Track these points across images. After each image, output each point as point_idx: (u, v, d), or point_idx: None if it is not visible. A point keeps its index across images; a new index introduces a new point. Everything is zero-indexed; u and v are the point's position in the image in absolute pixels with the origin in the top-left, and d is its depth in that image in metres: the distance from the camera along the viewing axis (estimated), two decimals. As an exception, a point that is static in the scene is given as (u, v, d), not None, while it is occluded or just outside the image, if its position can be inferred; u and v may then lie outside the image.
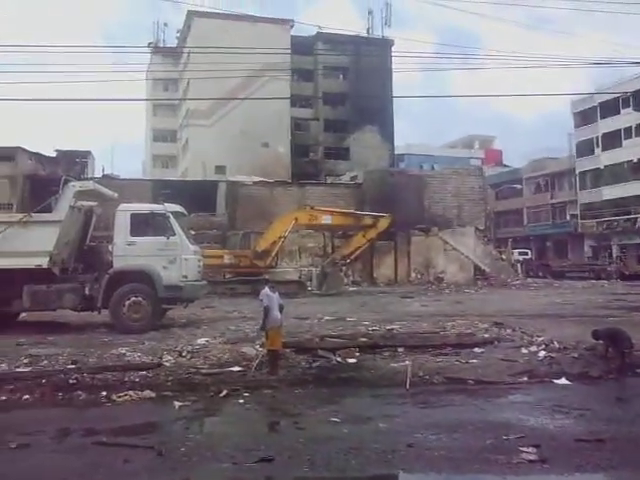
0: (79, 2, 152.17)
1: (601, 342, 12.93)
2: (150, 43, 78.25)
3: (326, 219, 33.31)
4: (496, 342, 14.70)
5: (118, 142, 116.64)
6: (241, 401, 10.30)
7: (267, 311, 11.97)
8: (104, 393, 10.63)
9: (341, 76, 75.87)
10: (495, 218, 71.96)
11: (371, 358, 13.19)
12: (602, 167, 67.32)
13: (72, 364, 12.50)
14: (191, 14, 69.70)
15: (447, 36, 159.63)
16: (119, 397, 10.46)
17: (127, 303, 17.57)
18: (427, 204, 46.55)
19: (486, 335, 15.59)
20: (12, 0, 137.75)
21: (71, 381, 11.28)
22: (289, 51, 63.45)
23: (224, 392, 10.61)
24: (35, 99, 62.75)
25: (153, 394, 10.59)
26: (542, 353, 13.47)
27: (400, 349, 13.86)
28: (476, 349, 13.97)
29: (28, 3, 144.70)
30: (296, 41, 69.47)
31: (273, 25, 68.90)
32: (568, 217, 73.12)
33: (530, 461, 7.22)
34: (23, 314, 19.52)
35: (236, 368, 12.15)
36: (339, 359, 12.99)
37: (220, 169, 62.26)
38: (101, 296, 17.74)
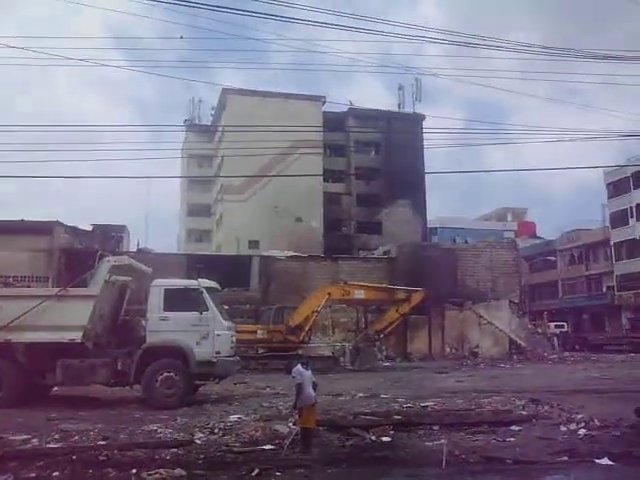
0: (117, 82, 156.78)
1: None
2: (186, 120, 79.95)
3: (359, 294, 33.21)
4: (534, 419, 14.37)
5: (153, 216, 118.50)
6: (273, 480, 10.05)
7: (300, 389, 11.82)
8: (134, 470, 10.44)
9: (373, 151, 76.58)
10: (529, 291, 71.22)
11: (405, 436, 12.90)
12: (638, 237, 66.71)
13: (103, 440, 12.42)
14: (225, 92, 71.21)
15: (476, 111, 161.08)
16: (149, 475, 10.27)
17: (160, 378, 17.51)
18: (460, 278, 46.29)
19: (523, 412, 15.28)
20: (52, 84, 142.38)
21: (101, 458, 11.13)
22: (321, 127, 64.30)
23: (256, 471, 10.33)
24: (74, 176, 63.88)
25: (184, 472, 10.39)
26: (582, 431, 13.07)
27: (435, 427, 13.59)
28: (513, 427, 13.63)
29: (67, 83, 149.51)
30: (328, 117, 70.53)
31: (305, 102, 69.97)
32: (604, 289, 72.17)
33: None
34: (55, 388, 19.53)
35: (268, 446, 11.92)
36: (373, 437, 12.72)
37: (254, 244, 62.69)
38: (134, 371, 17.71)
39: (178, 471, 10.44)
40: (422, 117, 71.96)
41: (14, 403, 16.36)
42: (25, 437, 11.97)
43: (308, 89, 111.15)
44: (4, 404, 16.93)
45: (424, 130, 61.82)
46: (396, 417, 14.39)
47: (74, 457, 10.68)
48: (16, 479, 10.03)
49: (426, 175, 72.93)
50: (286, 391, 19.52)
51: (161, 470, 10.48)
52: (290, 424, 13.29)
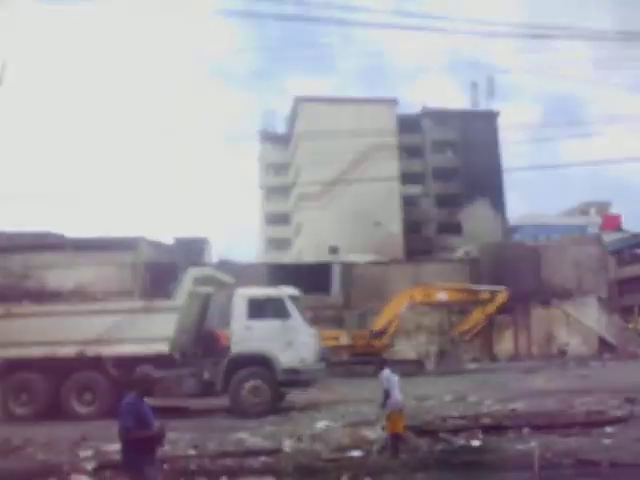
0: (190, 97, 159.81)
1: None
2: (260, 130, 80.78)
3: (441, 296, 32.90)
4: (629, 420, 13.89)
5: (233, 227, 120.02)
6: (362, 487, 9.95)
7: (388, 394, 11.75)
8: (224, 478, 10.59)
9: (449, 151, 75.89)
10: (618, 286, 69.14)
11: (495, 440, 12.67)
12: None
13: (193, 449, 12.62)
14: (298, 100, 71.75)
15: (552, 104, 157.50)
16: (239, 483, 10.39)
17: (246, 387, 17.72)
18: (545, 275, 45.32)
19: (618, 412, 14.78)
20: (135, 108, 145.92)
21: (192, 467, 11.32)
22: (396, 130, 64.02)
23: (344, 478, 10.32)
24: (155, 191, 65.37)
25: (273, 480, 10.47)
26: (682, 432, 12.59)
27: (525, 429, 13.30)
28: (607, 428, 13.22)
29: (140, 102, 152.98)
30: (402, 119, 70.21)
31: (378, 105, 69.73)
32: (699, 280, 69.39)
33: None
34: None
35: (357, 452, 11.90)
36: (462, 441, 12.54)
37: (333, 250, 62.76)
38: (220, 381, 17.95)
39: (268, 479, 10.51)
40: (497, 113, 70.93)
41: (108, 415, 16.75)
42: (118, 447, 12.26)
43: (380, 93, 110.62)
44: (99, 415, 17.46)
45: (499, 127, 61.03)
46: (485, 420, 14.16)
47: (165, 466, 10.82)
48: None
49: (504, 172, 71.80)
50: (372, 396, 19.42)
51: (251, 478, 10.58)
52: (378, 430, 13.21)
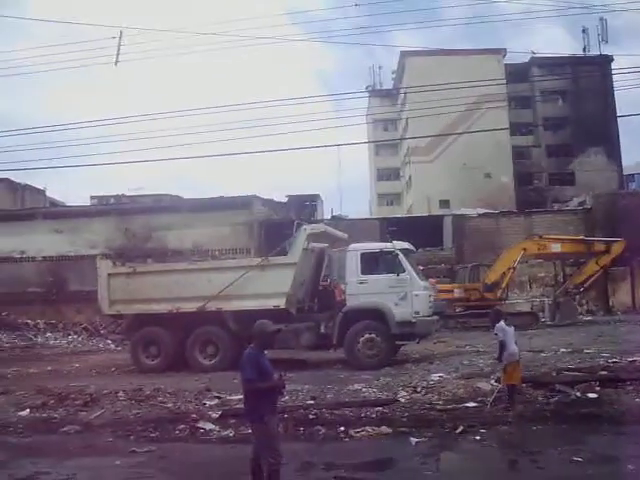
0: (297, 57, 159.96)
1: None
2: (368, 86, 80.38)
3: (555, 247, 32.17)
4: None
5: (344, 184, 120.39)
6: (477, 438, 10.11)
7: (503, 345, 11.77)
8: (342, 428, 10.91)
9: (560, 99, 73.25)
10: None
11: (613, 392, 12.48)
12: None
13: (311, 400, 13.06)
14: (404, 55, 70.89)
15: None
16: (356, 432, 10.68)
17: (361, 340, 18.03)
18: (664, 225, 43.40)
19: None
20: (238, 65, 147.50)
21: (311, 416, 11.74)
22: (504, 80, 62.30)
23: (460, 428, 10.49)
24: (266, 150, 66.02)
25: (389, 430, 10.71)
26: None
27: (644, 382, 13.03)
28: None
29: (252, 62, 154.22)
30: (510, 69, 68.06)
31: (485, 56, 67.89)
32: None
33: None
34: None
35: (471, 404, 12.01)
36: (578, 394, 12.44)
37: (444, 203, 62.31)
38: (336, 334, 18.35)
39: (384, 428, 10.79)
40: (610, 59, 67.84)
41: (229, 367, 17.40)
42: (240, 397, 12.84)
43: (487, 43, 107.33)
44: (220, 367, 18.26)
45: (613, 72, 58.31)
46: (602, 373, 13.92)
47: (286, 416, 11.22)
48: (236, 434, 10.86)
49: (619, 119, 68.80)
50: (486, 349, 19.44)
51: (367, 428, 10.88)
52: (493, 381, 13.28)
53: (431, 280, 23.59)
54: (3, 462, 10.04)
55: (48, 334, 34.84)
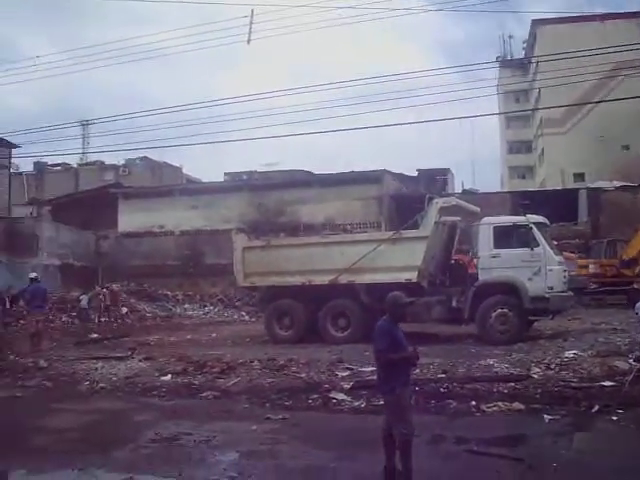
0: (424, 29, 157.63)
1: None
2: (498, 57, 78.41)
3: (697, 222, 30.52)
4: None
5: (475, 157, 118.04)
6: (614, 418, 9.75)
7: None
8: (473, 403, 10.87)
9: None
10: None
11: None
12: None
13: (442, 374, 13.08)
14: (536, 23, 68.58)
15: None
16: (488, 407, 10.62)
17: (493, 315, 17.80)
18: None
19: None
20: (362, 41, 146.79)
21: (442, 390, 11.76)
22: (643, 45, 59.09)
23: (596, 407, 10.19)
24: (398, 123, 65.78)
25: (522, 406, 10.57)
26: None
27: None
28: None
29: (377, 38, 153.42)
30: (651, 31, 64.53)
31: (623, 20, 64.36)
32: None
33: None
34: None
35: (608, 383, 11.60)
36: None
37: (579, 176, 60.15)
38: (468, 308, 18.21)
39: (516, 404, 10.67)
40: None
41: (361, 339, 17.60)
42: (372, 369, 13.01)
43: (625, 7, 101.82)
44: (351, 339, 18.54)
45: None
46: None
47: (417, 388, 11.20)
48: (367, 406, 11.05)
49: None
50: (624, 327, 18.79)
51: (499, 403, 10.80)
52: (631, 360, 12.86)
53: (571, 255, 22.94)
54: (149, 422, 10.77)
55: (186, 305, 36.47)
